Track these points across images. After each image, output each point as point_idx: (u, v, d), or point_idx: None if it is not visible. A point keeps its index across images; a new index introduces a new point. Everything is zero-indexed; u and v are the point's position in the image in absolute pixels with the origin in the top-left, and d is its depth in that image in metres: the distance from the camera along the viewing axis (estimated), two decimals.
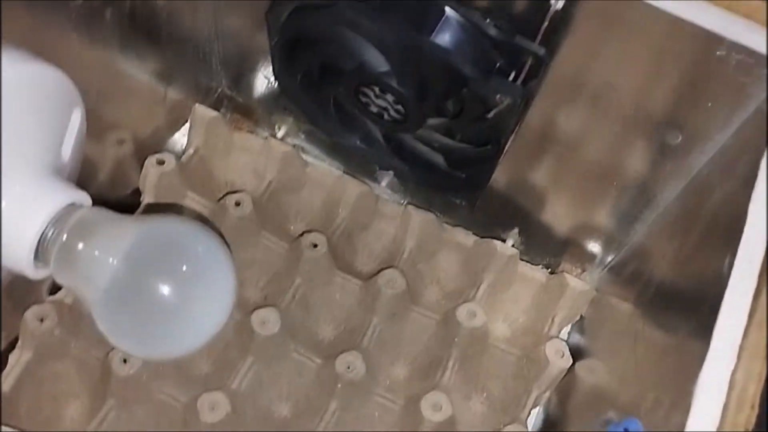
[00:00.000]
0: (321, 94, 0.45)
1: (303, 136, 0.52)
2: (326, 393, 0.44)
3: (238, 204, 0.47)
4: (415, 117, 0.42)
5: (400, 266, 0.48)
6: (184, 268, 0.32)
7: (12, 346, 0.42)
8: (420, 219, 0.49)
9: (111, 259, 0.32)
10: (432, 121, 0.43)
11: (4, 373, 0.41)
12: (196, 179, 0.49)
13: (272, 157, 0.50)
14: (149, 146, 0.48)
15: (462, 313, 0.45)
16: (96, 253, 0.32)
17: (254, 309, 0.44)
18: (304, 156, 0.51)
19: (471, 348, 0.46)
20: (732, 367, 0.26)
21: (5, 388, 0.41)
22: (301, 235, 0.48)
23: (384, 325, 0.47)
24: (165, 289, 0.32)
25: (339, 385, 0.43)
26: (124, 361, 0.41)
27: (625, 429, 0.30)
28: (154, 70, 0.47)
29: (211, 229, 0.34)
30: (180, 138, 0.51)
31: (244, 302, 0.46)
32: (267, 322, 0.44)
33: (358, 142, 0.47)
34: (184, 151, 0.50)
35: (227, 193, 0.48)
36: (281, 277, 0.48)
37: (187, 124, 0.51)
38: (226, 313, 0.34)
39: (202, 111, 0.50)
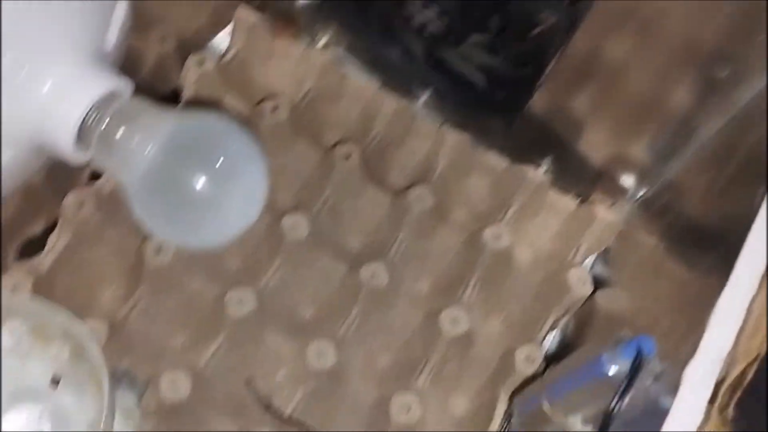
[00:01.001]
0: (364, 5, 0.45)
1: (344, 48, 0.52)
2: (349, 300, 0.45)
3: (274, 109, 0.48)
4: (457, 31, 0.41)
5: (430, 184, 0.48)
6: (219, 162, 0.33)
7: (50, 229, 0.44)
8: (454, 139, 0.49)
9: (148, 148, 0.33)
10: (474, 37, 0.42)
11: (42, 254, 0.43)
12: (235, 82, 0.50)
13: (312, 65, 0.50)
14: (191, 45, 0.49)
15: (488, 234, 0.46)
16: (134, 140, 0.33)
17: (285, 213, 0.45)
18: (343, 68, 0.51)
19: (494, 269, 0.46)
20: (752, 296, 0.27)
21: (42, 269, 0.43)
22: (335, 145, 0.48)
23: (410, 240, 0.47)
24: (199, 182, 0.32)
25: (362, 293, 0.45)
26: (158, 251, 0.43)
27: (638, 345, 0.30)
28: None
29: (246, 130, 0.35)
30: (222, 40, 0.51)
31: (275, 206, 0.47)
32: (297, 227, 0.45)
33: (398, 57, 0.47)
34: (225, 53, 0.50)
35: (264, 99, 0.49)
36: (313, 186, 0.48)
37: (230, 26, 0.51)
38: (256, 210, 0.35)
39: (246, 14, 0.50)
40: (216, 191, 0.33)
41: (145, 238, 0.43)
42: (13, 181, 0.37)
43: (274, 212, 0.46)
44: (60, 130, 0.33)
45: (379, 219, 0.48)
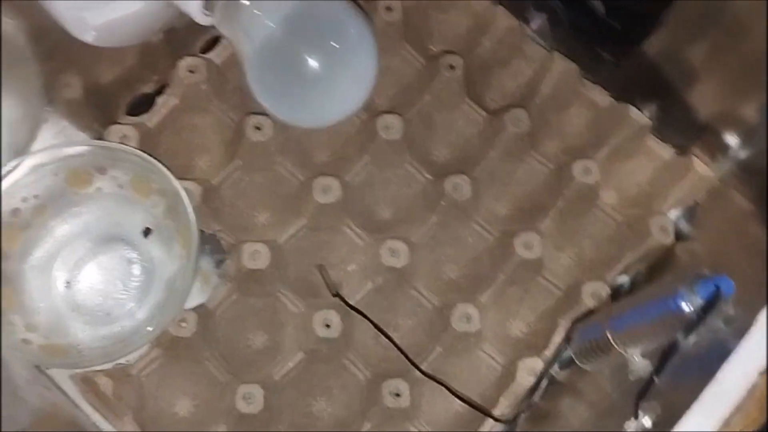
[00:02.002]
0: None
1: None
2: (428, 207, 0.46)
3: (388, 10, 0.48)
4: None
5: (529, 109, 0.48)
6: (336, 45, 0.34)
7: (161, 90, 0.46)
8: (561, 67, 0.48)
9: (269, 21, 0.33)
10: None
11: (150, 112, 0.45)
12: None
13: None
14: None
15: (578, 167, 0.46)
16: (257, 11, 0.34)
17: (380, 113, 0.46)
18: None
19: (576, 203, 0.46)
20: None
21: (149, 126, 0.45)
22: (440, 54, 0.48)
23: (498, 160, 0.48)
24: (314, 60, 0.33)
25: (442, 203, 0.45)
26: (257, 128, 0.44)
27: (715, 284, 0.30)
28: None
29: (366, 17, 0.35)
30: None
31: (372, 105, 0.47)
32: (390, 128, 0.46)
33: None
34: None
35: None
36: (412, 91, 0.49)
37: None
38: (363, 96, 0.35)
39: None
40: (329, 72, 0.34)
41: (247, 114, 0.45)
42: (138, 31, 0.39)
43: (370, 110, 0.47)
44: None
45: (471, 134, 0.49)
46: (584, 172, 0.46)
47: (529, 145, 0.48)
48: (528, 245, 0.44)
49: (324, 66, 0.34)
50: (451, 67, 0.48)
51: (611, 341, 0.35)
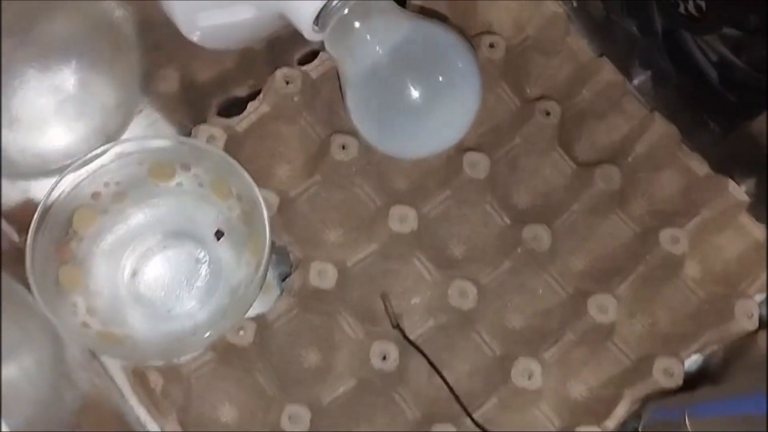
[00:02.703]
0: None
1: (575, 4, 0.50)
2: (503, 252, 0.45)
3: (491, 46, 0.47)
4: (711, 19, 0.39)
5: (621, 167, 0.46)
6: (441, 78, 0.33)
7: (253, 96, 0.46)
8: (661, 129, 0.47)
9: (378, 47, 0.33)
10: (725, 30, 0.39)
11: (240, 116, 0.46)
12: (460, 8, 0.49)
13: (538, 13, 0.49)
14: None
15: (665, 235, 0.44)
16: (368, 36, 0.33)
17: (467, 149, 0.45)
18: (568, 25, 0.49)
19: (658, 271, 0.44)
20: None
21: (237, 130, 0.45)
22: (537, 99, 0.47)
23: (581, 215, 0.46)
24: (416, 91, 0.33)
25: (518, 250, 0.44)
26: (343, 147, 0.44)
27: None
28: None
29: (472, 51, 0.34)
30: None
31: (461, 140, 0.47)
32: (476, 165, 0.45)
33: (634, 28, 0.45)
34: None
35: (483, 32, 0.48)
36: (502, 132, 0.48)
37: None
38: (461, 131, 0.35)
39: None
40: (430, 105, 0.33)
41: (334, 132, 0.44)
42: (244, 37, 0.39)
43: (457, 145, 0.46)
44: (304, 7, 0.34)
45: (557, 184, 0.47)
46: (672, 240, 0.44)
47: (617, 203, 0.46)
48: (602, 308, 0.43)
49: (426, 98, 0.33)
50: (547, 113, 0.46)
51: (688, 429, 0.33)
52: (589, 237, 0.46)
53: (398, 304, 0.44)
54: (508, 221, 0.46)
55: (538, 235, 0.44)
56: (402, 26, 0.33)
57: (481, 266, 0.45)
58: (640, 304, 0.45)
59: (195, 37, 0.38)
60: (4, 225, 0.41)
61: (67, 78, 0.42)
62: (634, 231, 0.46)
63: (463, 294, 0.43)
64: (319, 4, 0.33)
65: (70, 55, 0.41)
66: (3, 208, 0.41)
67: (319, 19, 0.33)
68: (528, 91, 0.50)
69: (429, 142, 0.35)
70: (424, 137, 0.35)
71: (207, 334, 0.39)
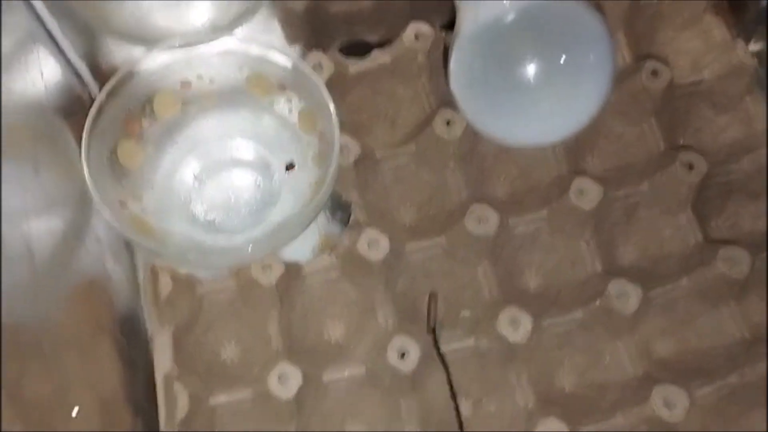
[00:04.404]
0: None
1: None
2: (580, 299, 0.39)
3: (653, 73, 0.40)
4: None
5: (753, 255, 0.38)
6: (565, 57, 0.28)
7: (380, 44, 0.43)
8: None
9: (507, 1, 0.28)
10: None
11: (357, 60, 0.42)
12: (634, 31, 0.43)
13: (724, 57, 0.43)
14: None
15: None
16: None
17: (583, 174, 0.39)
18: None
19: (757, 391, 0.36)
20: None
21: (350, 71, 0.42)
22: (685, 150, 0.40)
23: (686, 294, 0.39)
24: (534, 64, 0.27)
25: (597, 303, 0.38)
26: (447, 123, 0.39)
27: None
28: None
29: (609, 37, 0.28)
30: None
31: (578, 162, 0.41)
32: (586, 194, 0.39)
33: None
34: None
35: (649, 56, 0.42)
36: (631, 171, 0.41)
37: None
38: (572, 128, 0.29)
39: None
40: (546, 84, 0.27)
41: (444, 105, 0.40)
42: None
43: (576, 167, 0.40)
44: None
45: (672, 251, 0.41)
46: None
47: (734, 295, 0.39)
48: (669, 403, 0.35)
49: (543, 75, 0.27)
50: (690, 167, 0.39)
51: None
52: (688, 322, 0.39)
53: (442, 310, 0.39)
54: (599, 269, 0.40)
55: (625, 294, 0.37)
56: None
57: (548, 306, 0.39)
58: (718, 418, 0.37)
59: None
60: (90, 79, 0.40)
61: None
62: (743, 336, 0.38)
63: (514, 325, 0.37)
64: None
65: None
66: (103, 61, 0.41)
67: None
68: (681, 141, 0.43)
69: (534, 128, 0.29)
70: (529, 121, 0.29)
71: (238, 253, 0.36)
